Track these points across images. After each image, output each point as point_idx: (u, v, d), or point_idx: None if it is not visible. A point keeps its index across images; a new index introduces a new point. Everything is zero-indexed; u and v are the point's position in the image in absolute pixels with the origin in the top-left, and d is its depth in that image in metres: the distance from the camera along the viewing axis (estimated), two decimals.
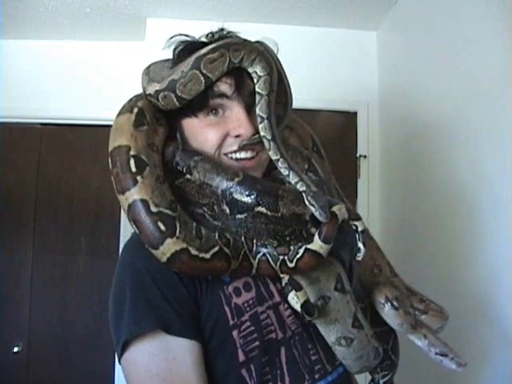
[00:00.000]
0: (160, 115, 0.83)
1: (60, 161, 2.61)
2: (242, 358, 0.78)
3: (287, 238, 0.78)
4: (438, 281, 1.76)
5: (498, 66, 1.48)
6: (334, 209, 0.75)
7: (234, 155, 0.81)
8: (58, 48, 2.66)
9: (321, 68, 2.54)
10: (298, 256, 0.76)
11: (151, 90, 0.81)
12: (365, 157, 2.53)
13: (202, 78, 0.77)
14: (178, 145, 0.82)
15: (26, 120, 2.63)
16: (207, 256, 0.73)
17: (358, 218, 0.79)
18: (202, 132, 0.81)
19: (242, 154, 0.81)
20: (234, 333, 0.78)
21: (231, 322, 0.78)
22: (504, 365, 1.41)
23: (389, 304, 0.90)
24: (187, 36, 0.87)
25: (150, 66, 0.89)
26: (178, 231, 0.72)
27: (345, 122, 2.58)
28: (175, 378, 0.73)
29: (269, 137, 0.78)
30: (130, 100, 0.83)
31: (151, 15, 2.46)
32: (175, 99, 0.79)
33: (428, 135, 1.96)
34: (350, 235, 0.82)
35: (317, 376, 0.82)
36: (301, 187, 0.77)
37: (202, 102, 0.80)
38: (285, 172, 0.79)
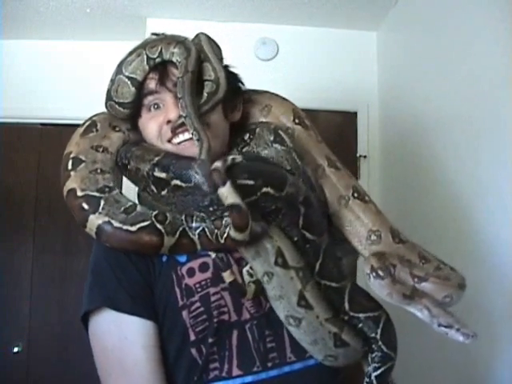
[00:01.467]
0: (120, 123, 0.92)
1: (60, 161, 2.59)
2: (192, 337, 0.80)
3: (210, 208, 0.78)
4: None
5: (498, 66, 1.48)
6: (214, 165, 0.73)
7: (174, 140, 0.85)
8: (58, 48, 2.66)
9: (321, 68, 2.54)
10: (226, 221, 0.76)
11: (104, 103, 0.91)
12: (365, 157, 2.53)
13: (127, 80, 0.87)
14: (132, 143, 0.90)
15: (25, 120, 2.63)
16: (132, 228, 0.78)
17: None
18: (145, 127, 0.88)
19: (180, 137, 0.84)
20: (184, 313, 0.80)
21: (180, 303, 0.81)
22: None
23: (374, 274, 0.83)
24: (157, 34, 0.92)
25: None
26: (100, 208, 0.79)
27: (345, 122, 2.58)
28: (125, 357, 0.78)
29: (184, 114, 0.80)
30: (92, 115, 0.93)
31: (151, 15, 2.46)
32: (117, 105, 0.89)
33: (428, 135, 1.96)
34: (293, 202, 0.80)
35: (269, 364, 0.81)
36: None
37: (137, 102, 0.87)
38: (196, 144, 0.80)
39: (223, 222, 0.77)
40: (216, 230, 0.78)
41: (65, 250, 2.54)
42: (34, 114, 2.61)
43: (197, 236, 0.81)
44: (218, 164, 0.73)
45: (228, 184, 0.72)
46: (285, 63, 2.53)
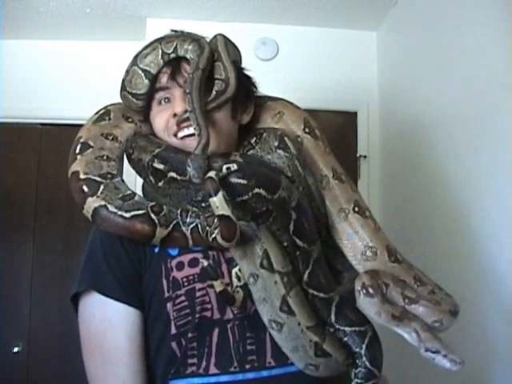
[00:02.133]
0: (134, 114, 0.94)
1: (60, 161, 2.58)
2: (173, 330, 0.81)
3: (202, 204, 0.80)
4: (440, 281, 1.76)
5: (498, 66, 1.48)
6: (210, 174, 0.75)
7: (179, 134, 0.86)
8: (58, 48, 2.66)
9: (321, 68, 2.54)
10: (215, 225, 0.76)
11: (119, 92, 0.94)
12: (365, 157, 2.53)
13: (141, 72, 0.89)
14: (141, 133, 0.92)
15: (25, 120, 2.63)
16: (126, 215, 0.79)
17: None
18: (154, 120, 0.90)
19: (185, 131, 0.85)
20: (168, 305, 0.82)
21: (166, 295, 0.82)
22: None
23: (364, 291, 0.82)
24: (175, 31, 0.93)
25: None
26: (99, 192, 0.81)
27: (345, 122, 2.58)
28: (107, 340, 0.81)
29: (189, 109, 0.81)
30: (108, 104, 0.95)
31: (151, 15, 2.46)
32: (130, 96, 0.92)
33: (428, 135, 1.96)
34: (285, 206, 0.80)
35: (247, 366, 0.81)
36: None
37: (150, 94, 0.90)
38: (197, 138, 0.80)
39: (215, 220, 0.77)
40: (207, 227, 0.79)
41: (65, 250, 2.54)
42: (34, 114, 2.61)
43: (189, 231, 0.82)
44: (212, 173, 0.74)
45: (220, 194, 0.73)
46: (285, 63, 2.53)
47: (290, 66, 2.53)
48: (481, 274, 1.54)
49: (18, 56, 2.64)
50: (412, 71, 2.17)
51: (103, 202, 0.80)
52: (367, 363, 0.84)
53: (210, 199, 0.73)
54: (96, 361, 0.82)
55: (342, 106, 2.57)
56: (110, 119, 0.91)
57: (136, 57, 0.90)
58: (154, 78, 0.89)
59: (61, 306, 2.47)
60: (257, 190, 0.78)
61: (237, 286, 0.82)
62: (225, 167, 0.76)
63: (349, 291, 0.87)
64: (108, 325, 0.81)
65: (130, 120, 0.93)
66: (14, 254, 2.52)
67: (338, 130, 2.56)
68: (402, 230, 2.11)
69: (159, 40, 0.90)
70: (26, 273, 2.50)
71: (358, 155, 2.53)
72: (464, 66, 1.68)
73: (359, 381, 0.85)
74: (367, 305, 0.83)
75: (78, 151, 0.87)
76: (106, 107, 0.94)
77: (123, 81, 0.92)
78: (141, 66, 0.89)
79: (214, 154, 0.81)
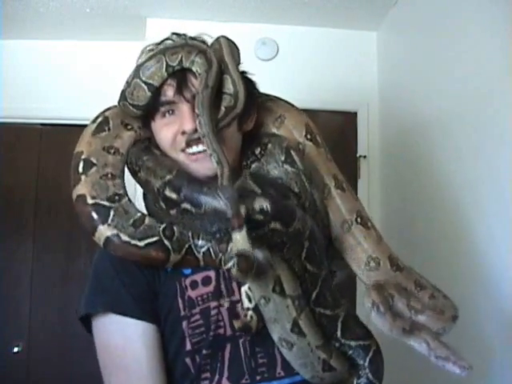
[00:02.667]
0: (132, 121, 0.90)
1: (60, 161, 2.60)
2: (188, 347, 0.83)
3: (217, 236, 0.80)
4: (439, 282, 1.76)
5: (498, 66, 1.48)
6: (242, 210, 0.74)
7: (188, 150, 0.85)
8: (58, 48, 2.66)
9: (321, 68, 2.54)
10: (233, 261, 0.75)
11: (117, 101, 0.90)
12: (365, 157, 2.53)
13: (144, 85, 0.85)
14: (142, 145, 0.90)
15: (25, 120, 2.62)
16: (140, 244, 0.79)
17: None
18: (159, 133, 0.88)
19: (194, 148, 0.85)
20: (184, 323, 0.83)
21: (182, 313, 0.83)
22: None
23: (375, 309, 0.87)
24: (178, 34, 0.91)
25: None
26: (110, 219, 0.79)
27: (345, 122, 2.58)
28: (127, 354, 0.81)
29: (201, 133, 0.80)
30: (104, 109, 0.92)
31: (151, 15, 2.46)
32: (131, 107, 0.88)
33: (428, 135, 1.96)
34: (299, 238, 0.81)
35: (258, 378, 0.83)
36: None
37: (153, 109, 0.86)
38: (215, 165, 0.80)
39: (228, 247, 0.77)
40: (220, 254, 0.80)
41: (65, 250, 2.54)
42: (34, 113, 2.61)
43: (201, 254, 0.82)
44: (242, 209, 0.73)
45: (244, 231, 0.72)
46: (285, 63, 2.54)
47: (290, 66, 2.53)
48: (478, 276, 1.54)
49: (18, 56, 2.63)
50: (412, 71, 2.17)
51: (115, 231, 0.79)
52: (370, 375, 0.88)
53: (233, 234, 0.72)
54: (117, 374, 0.82)
55: (342, 106, 2.57)
56: (109, 129, 0.87)
57: (138, 68, 0.85)
58: (156, 90, 0.85)
59: (61, 305, 2.48)
60: (273, 225, 0.78)
61: (248, 308, 0.82)
62: (258, 207, 0.75)
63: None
64: (127, 339, 0.82)
65: (129, 127, 0.89)
66: (14, 253, 2.52)
67: (338, 130, 2.56)
68: (402, 230, 2.11)
69: (162, 51, 0.85)
70: (26, 273, 2.50)
71: (357, 155, 2.52)
72: (464, 66, 1.68)
73: None
74: (379, 322, 0.87)
75: (81, 170, 0.83)
76: (103, 113, 0.90)
77: (123, 92, 0.87)
78: (143, 78, 0.84)
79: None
